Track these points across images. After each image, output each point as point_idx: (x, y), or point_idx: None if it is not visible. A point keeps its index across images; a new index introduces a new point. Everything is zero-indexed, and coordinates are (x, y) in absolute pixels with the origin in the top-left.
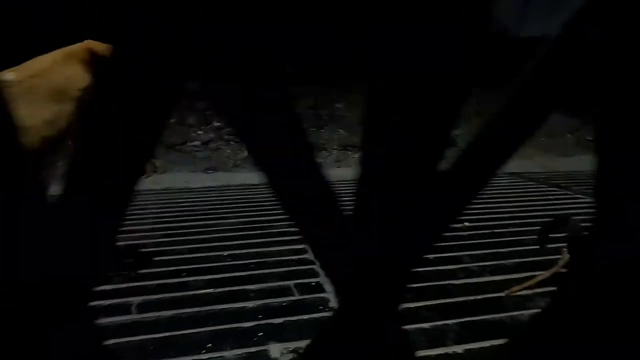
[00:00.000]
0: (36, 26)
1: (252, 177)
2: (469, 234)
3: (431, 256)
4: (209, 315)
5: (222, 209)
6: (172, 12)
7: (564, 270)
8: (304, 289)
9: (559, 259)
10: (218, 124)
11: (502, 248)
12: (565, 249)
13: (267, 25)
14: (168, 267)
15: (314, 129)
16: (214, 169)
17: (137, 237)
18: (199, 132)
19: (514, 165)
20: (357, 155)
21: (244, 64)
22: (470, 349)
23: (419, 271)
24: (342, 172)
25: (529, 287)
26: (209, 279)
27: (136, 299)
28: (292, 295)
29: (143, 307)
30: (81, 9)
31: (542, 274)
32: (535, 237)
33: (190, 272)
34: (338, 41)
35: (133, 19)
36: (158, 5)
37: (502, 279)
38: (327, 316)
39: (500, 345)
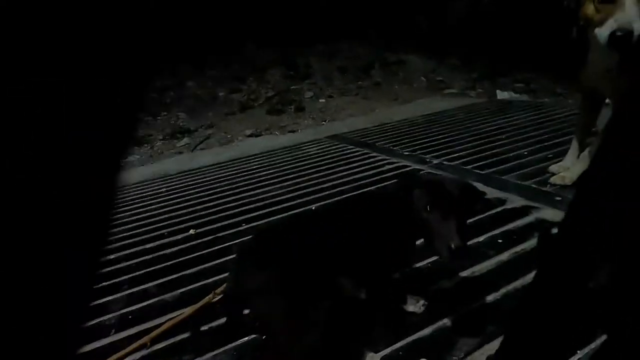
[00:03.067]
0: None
1: None
2: (191, 246)
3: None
4: None
5: None
6: None
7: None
8: None
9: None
10: None
11: (201, 265)
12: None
13: None
14: None
15: (149, 118)
16: None
17: None
18: None
19: (335, 127)
20: (184, 141)
21: None
22: None
23: None
24: (154, 168)
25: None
26: None
27: None
28: None
29: None
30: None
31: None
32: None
33: None
34: None
35: None
36: None
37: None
38: None
39: None
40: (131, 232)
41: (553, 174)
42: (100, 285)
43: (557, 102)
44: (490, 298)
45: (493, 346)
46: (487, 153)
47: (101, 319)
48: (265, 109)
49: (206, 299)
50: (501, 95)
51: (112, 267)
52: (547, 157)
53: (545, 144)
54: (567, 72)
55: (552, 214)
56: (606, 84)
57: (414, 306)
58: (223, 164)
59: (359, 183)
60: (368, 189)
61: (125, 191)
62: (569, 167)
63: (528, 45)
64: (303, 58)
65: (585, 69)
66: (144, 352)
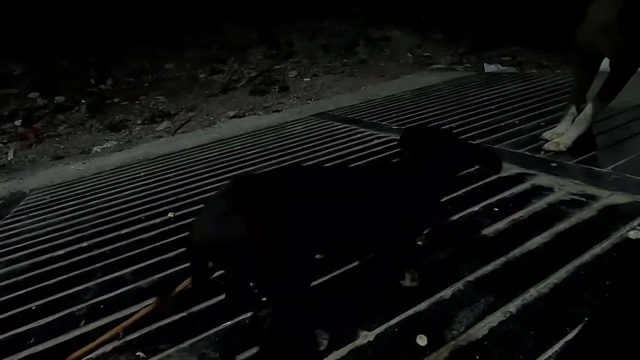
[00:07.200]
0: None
1: None
2: (170, 229)
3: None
4: None
5: None
6: None
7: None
8: None
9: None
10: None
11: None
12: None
13: None
14: None
15: (126, 102)
16: None
17: None
18: None
19: (322, 104)
20: (164, 125)
21: None
22: None
23: None
24: (133, 152)
25: (98, 346)
26: None
27: None
28: None
29: None
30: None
31: (116, 330)
32: None
33: None
34: None
35: None
36: None
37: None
38: None
39: None
40: (106, 219)
41: (547, 141)
42: (70, 274)
43: (545, 73)
44: (488, 268)
45: (495, 317)
46: (478, 124)
47: (70, 309)
48: (248, 89)
49: (184, 284)
50: (489, 68)
51: (85, 255)
52: (540, 125)
53: (536, 112)
54: (553, 43)
55: (547, 180)
56: (606, 40)
57: (409, 280)
58: (204, 146)
59: (347, 158)
60: (357, 163)
61: (101, 177)
62: (563, 133)
63: (512, 18)
64: (285, 36)
65: (584, 24)
66: (117, 343)
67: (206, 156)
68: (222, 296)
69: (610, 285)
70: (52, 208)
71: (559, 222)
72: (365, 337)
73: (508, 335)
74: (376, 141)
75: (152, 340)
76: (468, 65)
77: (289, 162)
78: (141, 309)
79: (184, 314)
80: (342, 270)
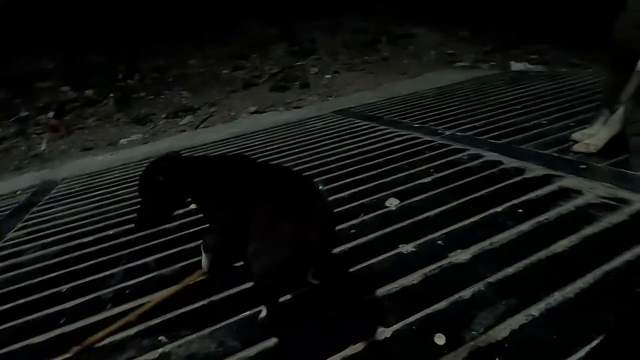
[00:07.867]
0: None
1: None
2: (192, 220)
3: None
4: None
5: None
6: None
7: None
8: None
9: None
10: (27, 113)
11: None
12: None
13: None
14: None
15: (151, 97)
16: None
17: None
18: None
19: (342, 101)
20: (187, 119)
21: None
22: None
23: None
24: (157, 146)
25: (103, 338)
26: None
27: None
28: None
29: None
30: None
31: (121, 322)
32: None
33: None
34: None
35: None
36: None
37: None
38: None
39: None
40: (131, 208)
41: (576, 142)
42: (98, 260)
43: (575, 72)
44: (510, 270)
45: (516, 320)
46: (503, 123)
47: (97, 293)
48: (269, 85)
49: (196, 274)
50: (516, 66)
51: (111, 242)
52: (569, 126)
53: (565, 112)
54: (584, 41)
55: (575, 183)
56: None
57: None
58: (226, 141)
59: (365, 156)
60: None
61: (128, 168)
62: (594, 134)
63: (541, 15)
64: (306, 33)
65: (621, 20)
66: (141, 327)
67: (226, 150)
68: (242, 286)
69: None
70: (82, 197)
71: (587, 226)
72: (383, 333)
73: (529, 339)
74: (397, 139)
75: (174, 326)
76: (493, 63)
77: (309, 158)
78: (153, 298)
79: (205, 302)
80: (361, 266)
